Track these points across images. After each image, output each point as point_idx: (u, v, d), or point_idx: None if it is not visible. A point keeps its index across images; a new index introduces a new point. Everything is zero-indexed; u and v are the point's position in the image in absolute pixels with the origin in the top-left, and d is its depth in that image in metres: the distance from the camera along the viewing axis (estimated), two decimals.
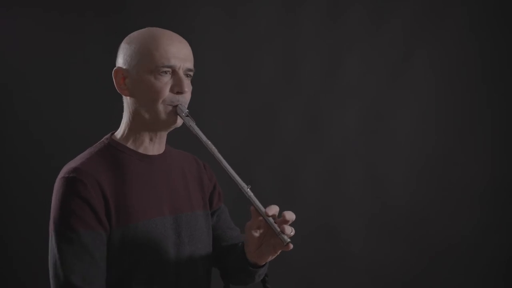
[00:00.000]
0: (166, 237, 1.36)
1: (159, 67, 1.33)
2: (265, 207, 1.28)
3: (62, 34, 2.73)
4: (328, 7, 2.77)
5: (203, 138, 1.35)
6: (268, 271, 1.49)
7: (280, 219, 1.28)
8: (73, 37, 2.73)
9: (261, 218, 1.29)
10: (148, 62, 1.33)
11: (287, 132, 2.79)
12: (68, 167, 1.32)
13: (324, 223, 2.78)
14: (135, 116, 1.38)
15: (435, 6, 2.75)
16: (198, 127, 1.36)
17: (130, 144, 1.39)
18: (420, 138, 2.79)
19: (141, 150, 1.40)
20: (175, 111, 1.35)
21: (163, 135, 1.43)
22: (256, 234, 1.31)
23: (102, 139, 1.42)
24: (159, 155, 1.43)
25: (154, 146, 1.42)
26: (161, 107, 1.34)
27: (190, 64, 1.38)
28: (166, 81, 1.34)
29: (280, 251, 1.31)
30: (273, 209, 1.28)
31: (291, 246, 1.26)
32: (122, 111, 1.44)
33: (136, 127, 1.39)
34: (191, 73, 1.39)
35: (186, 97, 1.37)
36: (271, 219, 1.27)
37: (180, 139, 1.62)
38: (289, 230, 1.26)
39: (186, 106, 1.37)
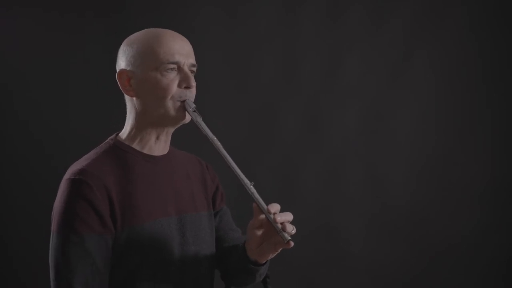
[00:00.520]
0: (171, 237, 1.36)
1: (165, 64, 1.34)
2: (267, 205, 1.29)
3: (62, 34, 2.73)
4: (328, 7, 2.77)
5: (209, 134, 1.36)
6: (268, 271, 1.49)
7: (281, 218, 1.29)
8: (73, 37, 2.73)
9: (263, 215, 1.29)
10: (153, 60, 1.34)
11: (287, 132, 2.79)
12: (74, 168, 1.31)
13: (324, 223, 2.78)
14: (142, 115, 1.38)
15: (435, 6, 2.75)
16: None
17: (135, 145, 1.39)
18: (420, 138, 2.79)
19: (146, 151, 1.40)
20: (183, 106, 1.36)
21: (170, 134, 1.44)
22: (258, 231, 1.32)
23: (107, 140, 1.42)
24: (163, 155, 1.43)
25: (159, 146, 1.42)
26: (170, 103, 1.35)
27: (193, 60, 1.40)
28: (172, 77, 1.35)
29: (281, 249, 1.31)
30: (275, 207, 1.29)
31: (292, 244, 1.26)
32: (122, 110, 1.44)
33: (142, 126, 1.39)
34: (195, 69, 1.40)
35: (193, 92, 1.39)
36: (272, 216, 1.28)
37: (181, 138, 1.62)
38: (290, 228, 1.27)
39: (193, 101, 1.38)
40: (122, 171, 1.34)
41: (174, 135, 1.46)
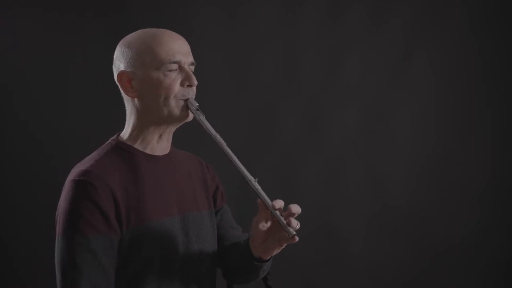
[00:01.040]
0: (175, 237, 1.37)
1: (167, 64, 1.34)
2: (271, 201, 1.30)
3: (62, 34, 2.73)
4: (328, 7, 2.77)
5: (212, 131, 1.37)
6: (270, 271, 1.49)
7: (286, 212, 1.30)
8: (73, 37, 2.73)
9: (267, 211, 1.30)
10: (154, 61, 1.35)
11: (287, 132, 2.79)
12: (77, 169, 1.32)
13: (324, 223, 2.78)
14: (143, 116, 1.38)
15: (435, 6, 2.75)
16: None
17: (138, 145, 1.40)
18: (420, 138, 2.79)
19: (148, 151, 1.40)
20: (186, 105, 1.37)
21: (172, 133, 1.44)
22: (263, 228, 1.33)
23: (109, 141, 1.42)
24: (165, 155, 1.44)
25: (161, 145, 1.43)
26: (173, 102, 1.36)
27: (192, 58, 1.41)
28: (174, 76, 1.36)
29: (285, 244, 1.32)
30: (279, 203, 1.30)
31: (297, 238, 1.27)
32: (122, 111, 1.44)
33: (144, 126, 1.39)
34: (193, 67, 1.41)
35: (194, 90, 1.40)
36: (277, 212, 1.29)
37: (182, 137, 1.62)
38: (295, 223, 1.28)
39: (194, 98, 1.39)
40: (125, 171, 1.34)
41: (175, 134, 1.46)
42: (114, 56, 1.41)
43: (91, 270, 1.25)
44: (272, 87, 2.79)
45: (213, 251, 1.48)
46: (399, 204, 2.79)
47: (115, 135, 1.44)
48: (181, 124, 1.41)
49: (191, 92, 1.38)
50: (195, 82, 1.38)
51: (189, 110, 1.38)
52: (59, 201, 1.32)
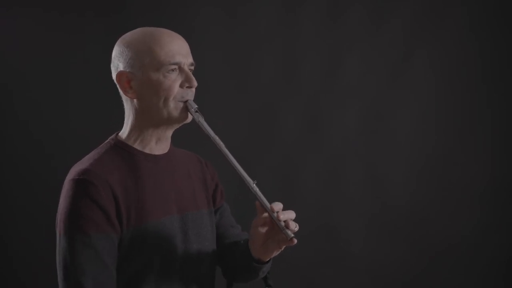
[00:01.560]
0: (174, 236, 1.37)
1: (167, 65, 1.34)
2: (270, 203, 1.30)
3: (62, 34, 2.73)
4: (328, 7, 2.77)
5: (211, 133, 1.37)
6: (269, 271, 1.49)
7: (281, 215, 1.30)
8: (73, 37, 2.73)
9: (266, 213, 1.31)
10: (154, 62, 1.34)
11: (287, 132, 2.79)
12: (77, 168, 1.31)
13: (324, 223, 2.79)
14: (142, 116, 1.38)
15: (435, 6, 2.75)
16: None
17: (137, 145, 1.40)
18: (420, 138, 2.79)
19: (147, 150, 1.40)
20: (185, 106, 1.37)
21: (170, 133, 1.44)
22: (262, 230, 1.33)
23: (108, 140, 1.42)
24: (163, 154, 1.44)
25: (160, 145, 1.43)
26: (172, 103, 1.36)
27: (192, 59, 1.41)
28: (174, 78, 1.36)
29: (284, 246, 1.33)
30: (278, 205, 1.30)
31: (295, 241, 1.28)
32: (122, 111, 1.43)
33: (143, 127, 1.39)
34: (193, 67, 1.41)
35: (193, 92, 1.40)
36: (276, 214, 1.29)
37: (181, 137, 1.62)
38: (293, 226, 1.29)
39: (193, 99, 1.39)
40: (125, 170, 1.34)
41: (174, 134, 1.46)
42: (113, 55, 1.41)
43: (94, 267, 1.25)
44: (272, 87, 2.79)
45: (212, 250, 1.48)
46: (399, 204, 2.79)
47: (114, 134, 1.43)
48: (180, 125, 1.41)
49: (190, 94, 1.38)
50: (195, 84, 1.38)
51: (188, 112, 1.37)
52: (59, 201, 1.32)
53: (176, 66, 1.35)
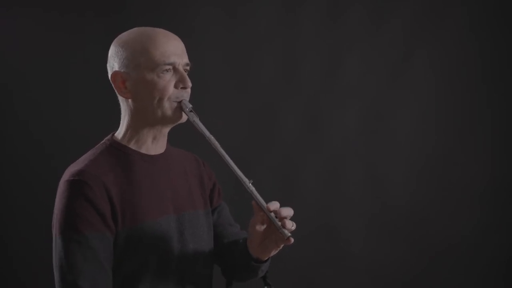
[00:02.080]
0: (171, 236, 1.37)
1: (161, 66, 1.34)
2: (267, 203, 1.30)
3: (62, 34, 2.73)
4: (328, 7, 2.77)
5: (206, 133, 1.37)
6: (268, 270, 1.49)
7: (278, 215, 1.30)
8: (73, 37, 2.73)
9: (263, 213, 1.30)
10: (149, 62, 1.34)
11: (287, 132, 2.79)
12: (72, 169, 1.31)
13: (324, 223, 2.79)
14: (137, 116, 1.38)
15: (435, 6, 2.75)
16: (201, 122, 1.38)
17: (132, 145, 1.40)
18: (420, 138, 2.79)
19: (143, 150, 1.40)
20: (180, 106, 1.37)
21: (166, 133, 1.44)
22: (260, 229, 1.33)
23: (104, 140, 1.42)
24: (160, 154, 1.44)
25: (156, 145, 1.42)
26: (167, 104, 1.35)
27: (187, 59, 1.40)
28: (168, 78, 1.35)
29: (282, 245, 1.32)
30: (274, 205, 1.30)
31: (292, 240, 1.28)
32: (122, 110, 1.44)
33: (138, 127, 1.39)
34: (189, 68, 1.41)
35: (188, 92, 1.39)
36: (272, 214, 1.29)
37: (177, 136, 1.62)
38: (290, 225, 1.29)
39: (188, 100, 1.39)
40: (120, 171, 1.34)
41: (171, 134, 1.46)
42: (109, 55, 1.41)
43: (91, 267, 1.25)
44: (272, 87, 2.79)
45: (209, 250, 1.48)
46: (399, 204, 2.79)
47: (110, 135, 1.43)
48: (174, 125, 1.41)
49: (185, 94, 1.38)
50: (189, 84, 1.37)
51: (182, 112, 1.37)
52: (55, 203, 1.32)
53: (170, 67, 1.35)
